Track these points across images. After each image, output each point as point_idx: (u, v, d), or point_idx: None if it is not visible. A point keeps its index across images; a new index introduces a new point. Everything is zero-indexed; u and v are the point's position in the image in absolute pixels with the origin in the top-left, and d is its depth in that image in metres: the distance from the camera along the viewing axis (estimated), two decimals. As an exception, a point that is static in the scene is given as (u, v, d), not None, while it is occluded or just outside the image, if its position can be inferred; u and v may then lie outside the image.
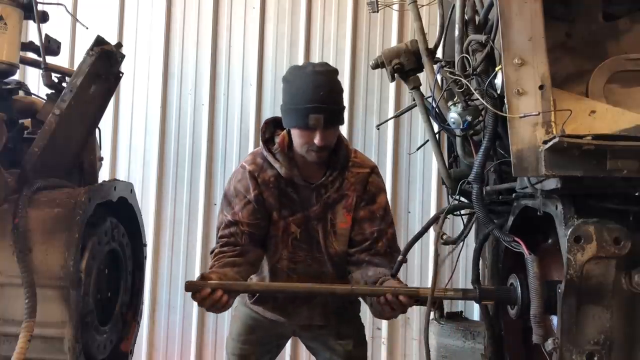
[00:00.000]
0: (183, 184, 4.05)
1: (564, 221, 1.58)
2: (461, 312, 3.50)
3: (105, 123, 3.75)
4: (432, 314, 2.01)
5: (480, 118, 1.87)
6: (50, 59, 2.25)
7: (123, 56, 2.16)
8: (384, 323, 3.87)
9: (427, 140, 2.31)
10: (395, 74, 2.16)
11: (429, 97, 2.09)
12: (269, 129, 2.15)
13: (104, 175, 3.43)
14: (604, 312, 1.57)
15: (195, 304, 1.90)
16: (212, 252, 2.10)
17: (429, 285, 1.80)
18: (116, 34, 4.09)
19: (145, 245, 2.46)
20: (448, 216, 2.10)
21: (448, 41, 2.14)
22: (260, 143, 2.13)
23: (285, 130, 2.10)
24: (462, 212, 2.26)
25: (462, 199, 2.15)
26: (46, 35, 2.29)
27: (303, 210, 2.11)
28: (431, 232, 3.27)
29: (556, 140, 1.46)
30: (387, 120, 3.54)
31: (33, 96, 2.36)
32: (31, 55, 2.37)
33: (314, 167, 2.09)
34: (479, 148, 1.83)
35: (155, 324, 4.01)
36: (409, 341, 3.90)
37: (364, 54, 3.97)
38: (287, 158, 2.08)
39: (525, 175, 1.70)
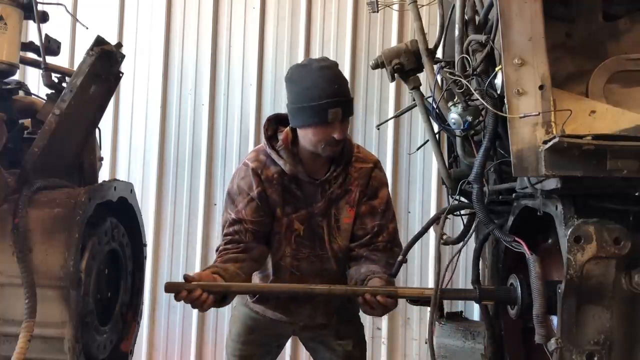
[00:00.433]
0: (183, 184, 4.05)
1: (564, 221, 1.58)
2: (461, 312, 3.49)
3: (105, 123, 3.75)
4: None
5: (481, 118, 1.86)
6: (50, 59, 2.25)
7: (123, 56, 2.16)
8: (384, 323, 3.87)
9: (427, 140, 2.30)
10: (395, 74, 2.16)
11: (429, 97, 2.08)
12: (272, 126, 2.15)
13: (104, 175, 3.43)
14: (604, 312, 1.57)
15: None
16: (217, 250, 2.11)
17: (430, 285, 1.80)
18: (116, 34, 4.08)
19: (145, 245, 2.46)
20: (448, 216, 2.10)
21: (448, 41, 2.14)
22: (263, 140, 2.13)
23: (288, 127, 2.09)
24: (463, 212, 2.26)
25: (462, 199, 2.15)
26: (46, 35, 2.29)
27: (307, 207, 2.11)
28: (431, 232, 3.27)
29: (556, 140, 1.46)
30: (387, 120, 3.54)
31: (33, 96, 2.37)
32: (31, 55, 2.37)
33: (319, 163, 2.10)
34: (479, 148, 1.83)
35: (155, 324, 4.01)
36: (409, 341, 3.90)
37: (364, 54, 3.97)
38: (291, 154, 2.08)
39: (525, 175, 1.70)
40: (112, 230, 2.14)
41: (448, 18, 2.12)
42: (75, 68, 2.11)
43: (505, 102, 1.62)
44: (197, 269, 3.95)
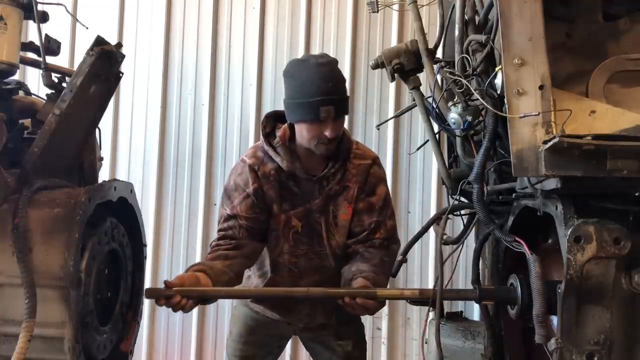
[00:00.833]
0: (183, 184, 4.05)
1: (564, 221, 1.58)
2: (461, 312, 3.50)
3: (105, 123, 3.75)
4: (432, 314, 1.99)
5: (481, 118, 1.86)
6: (50, 59, 2.25)
7: (123, 56, 2.15)
8: (384, 323, 3.87)
9: (427, 140, 2.30)
10: (395, 74, 2.16)
11: (429, 97, 2.08)
12: (270, 123, 2.14)
13: (104, 175, 3.43)
14: (604, 312, 1.57)
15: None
16: (210, 244, 2.11)
17: (430, 285, 1.80)
18: (116, 34, 4.09)
19: (145, 245, 2.46)
20: (448, 216, 2.10)
21: (448, 41, 2.14)
22: (261, 137, 2.13)
23: (286, 124, 2.09)
24: (463, 212, 2.26)
25: (462, 199, 2.15)
26: (46, 35, 2.29)
27: (304, 204, 2.10)
28: (431, 232, 3.27)
29: (556, 140, 1.46)
30: (387, 121, 3.54)
31: (33, 96, 2.36)
32: (31, 55, 2.37)
33: (316, 159, 2.09)
34: (479, 148, 1.83)
35: (155, 324, 4.01)
36: (409, 341, 3.90)
37: (364, 54, 3.97)
38: (289, 151, 2.07)
39: (525, 175, 1.70)
40: (112, 230, 2.14)
41: (448, 18, 2.12)
42: (75, 68, 2.11)
43: (505, 102, 1.62)
44: (197, 268, 3.95)
